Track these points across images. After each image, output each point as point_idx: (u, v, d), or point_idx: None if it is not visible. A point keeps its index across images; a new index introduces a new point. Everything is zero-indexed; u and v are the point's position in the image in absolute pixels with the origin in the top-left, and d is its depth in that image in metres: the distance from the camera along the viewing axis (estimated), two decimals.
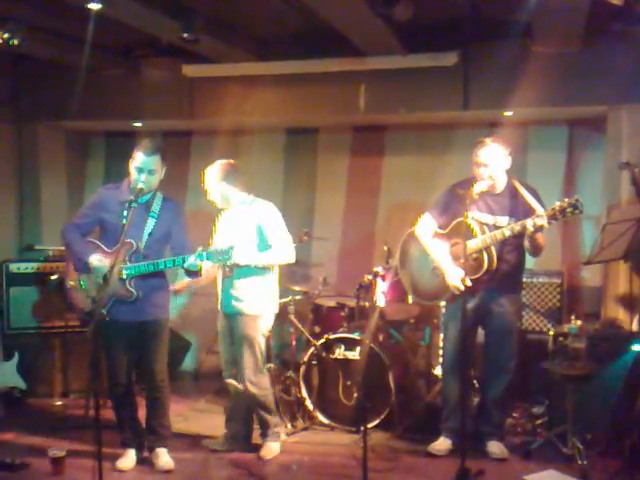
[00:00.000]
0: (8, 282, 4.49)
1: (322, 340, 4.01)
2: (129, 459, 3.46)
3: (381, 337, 4.07)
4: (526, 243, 3.41)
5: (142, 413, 3.55)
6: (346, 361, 3.97)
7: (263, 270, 3.51)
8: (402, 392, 3.90)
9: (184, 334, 5.15)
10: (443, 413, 3.65)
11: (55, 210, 5.38)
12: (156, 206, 3.38)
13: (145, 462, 3.49)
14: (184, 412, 4.29)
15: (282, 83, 4.76)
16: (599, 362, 3.57)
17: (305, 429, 3.97)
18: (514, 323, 3.61)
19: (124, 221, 3.12)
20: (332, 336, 4.01)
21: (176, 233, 3.42)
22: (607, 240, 3.66)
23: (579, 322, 3.76)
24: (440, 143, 5.04)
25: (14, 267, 4.53)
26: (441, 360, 4.18)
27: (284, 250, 3.49)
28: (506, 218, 3.47)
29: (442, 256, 3.55)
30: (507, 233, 3.36)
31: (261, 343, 3.55)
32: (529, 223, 3.25)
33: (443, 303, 4.03)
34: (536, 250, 3.45)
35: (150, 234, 3.33)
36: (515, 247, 3.49)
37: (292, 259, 3.56)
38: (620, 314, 4.20)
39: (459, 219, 3.40)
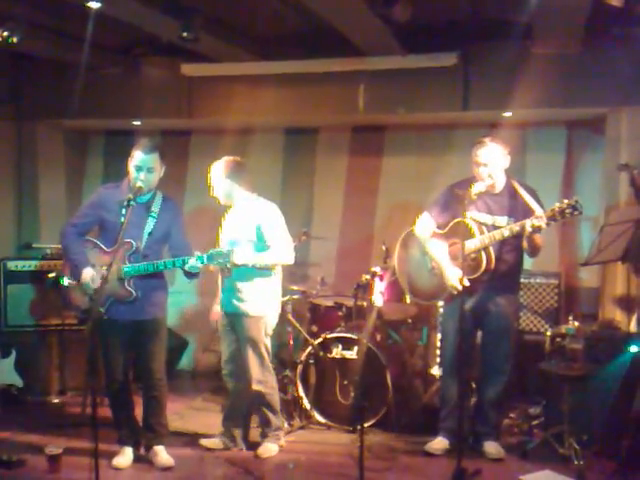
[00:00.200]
0: (6, 280, 4.49)
1: (320, 339, 4.02)
2: (126, 457, 3.46)
3: (379, 337, 4.08)
4: (524, 244, 3.42)
5: (139, 411, 3.55)
6: (343, 360, 3.98)
7: (264, 270, 3.50)
8: (399, 392, 3.90)
9: (181, 333, 5.15)
10: (441, 413, 3.66)
11: (54, 208, 5.38)
12: (156, 206, 3.38)
13: (142, 460, 3.49)
14: (181, 410, 4.29)
15: (281, 83, 4.76)
16: (596, 363, 3.58)
17: (302, 428, 3.97)
18: (511, 324, 3.61)
19: (122, 219, 3.12)
20: (330, 335, 4.01)
21: (175, 233, 3.42)
22: (605, 241, 3.66)
23: (576, 323, 3.77)
24: (439, 144, 5.04)
25: (12, 265, 4.53)
26: (439, 360, 4.19)
27: (283, 251, 3.48)
28: (505, 218, 3.47)
29: (440, 256, 3.56)
30: (506, 233, 3.37)
31: (266, 342, 3.56)
32: (528, 224, 3.26)
33: (441, 303, 4.04)
34: (534, 251, 3.45)
35: (150, 234, 3.34)
36: (514, 247, 3.49)
37: (291, 260, 3.55)
38: (617, 315, 4.21)
39: (458, 219, 3.41)
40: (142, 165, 3.29)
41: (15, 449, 3.59)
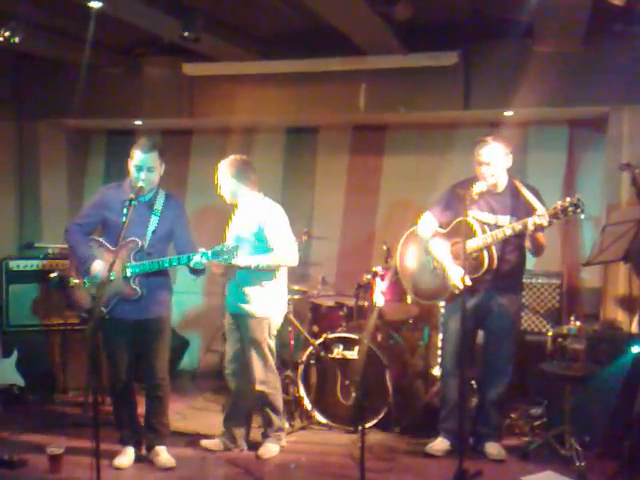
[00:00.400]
0: (8, 279, 4.49)
1: (320, 339, 4.01)
2: (127, 457, 3.46)
3: (380, 337, 4.07)
4: (527, 242, 3.41)
5: (141, 411, 3.55)
6: (344, 361, 3.97)
7: (268, 272, 3.50)
8: (400, 392, 3.89)
9: (182, 333, 5.15)
10: (441, 413, 3.65)
11: (55, 208, 5.39)
12: (159, 204, 3.38)
13: (143, 460, 3.50)
14: (182, 410, 4.29)
15: (282, 82, 4.76)
16: (598, 363, 3.57)
17: (303, 428, 3.97)
18: (513, 324, 3.60)
19: (123, 219, 3.12)
20: (331, 335, 4.01)
21: (179, 231, 3.42)
22: (607, 241, 3.65)
23: (578, 323, 3.76)
24: (440, 143, 5.03)
25: (14, 264, 4.53)
26: (440, 360, 4.18)
27: (286, 253, 3.47)
28: (507, 217, 3.46)
29: (442, 255, 3.55)
30: (508, 232, 3.36)
31: (270, 343, 3.55)
32: (530, 222, 3.25)
33: (442, 303, 4.03)
34: (538, 249, 3.44)
35: (154, 232, 3.34)
36: (516, 247, 3.48)
37: (295, 262, 3.53)
38: (619, 315, 4.20)
39: (460, 218, 3.40)
40: (142, 164, 3.29)
41: (17, 449, 3.59)
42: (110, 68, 5.04)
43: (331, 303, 4.35)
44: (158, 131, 5.51)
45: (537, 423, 3.81)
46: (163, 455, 3.46)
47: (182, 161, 5.52)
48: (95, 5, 3.56)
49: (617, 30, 4.01)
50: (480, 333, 3.66)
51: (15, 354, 4.32)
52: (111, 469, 3.37)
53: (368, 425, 3.73)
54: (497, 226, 3.45)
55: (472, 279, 3.36)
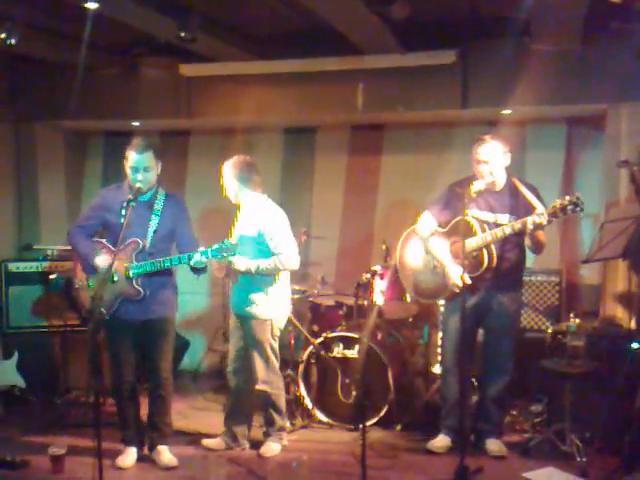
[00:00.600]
0: (7, 281, 4.49)
1: (321, 339, 4.02)
2: (130, 456, 3.47)
3: (379, 335, 4.08)
4: (527, 241, 3.42)
5: (143, 411, 3.55)
6: (345, 359, 3.98)
7: (269, 275, 3.51)
8: (400, 390, 3.90)
9: (182, 333, 5.15)
10: (442, 411, 3.66)
11: (54, 210, 5.38)
12: (159, 204, 3.39)
13: (145, 460, 3.50)
14: (183, 410, 4.29)
15: (280, 82, 4.75)
16: (598, 360, 3.58)
17: (304, 427, 3.97)
18: (513, 322, 3.61)
19: (122, 220, 3.13)
20: (331, 335, 4.02)
21: (181, 230, 3.42)
22: (606, 238, 3.65)
23: (578, 320, 3.76)
24: (438, 141, 5.03)
25: (13, 266, 4.53)
26: (440, 358, 4.19)
27: (286, 258, 3.47)
28: (506, 216, 3.47)
29: (442, 254, 3.56)
30: (507, 231, 3.37)
31: (272, 343, 3.57)
32: (529, 221, 3.26)
33: (442, 301, 4.04)
34: (538, 247, 3.45)
35: (155, 232, 3.35)
36: (516, 245, 3.49)
37: (295, 266, 3.54)
38: (619, 312, 4.20)
39: (459, 217, 3.40)
40: (138, 165, 3.30)
41: (18, 450, 3.59)
42: (107, 69, 5.02)
43: (331, 302, 4.36)
44: (156, 132, 5.50)
45: (538, 420, 3.82)
46: (165, 454, 3.47)
47: (180, 162, 5.51)
48: (91, 6, 3.56)
49: (615, 28, 4.02)
50: (480, 331, 3.67)
51: (16, 355, 4.32)
52: (113, 469, 3.38)
53: (369, 423, 3.74)
54: (496, 225, 3.45)
55: (472, 278, 3.37)
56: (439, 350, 4.33)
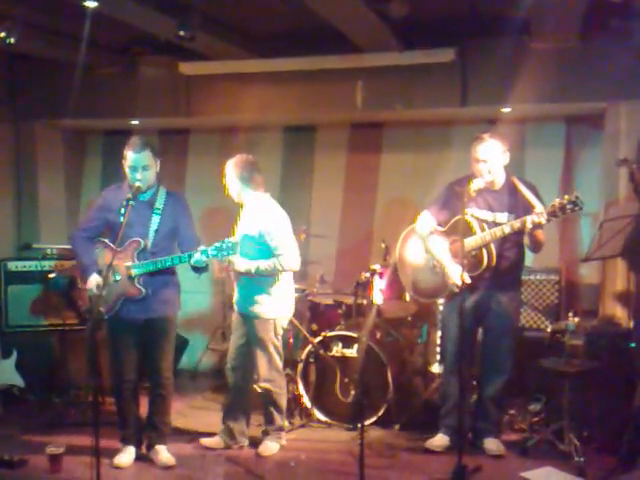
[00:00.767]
0: (6, 280, 4.49)
1: (320, 338, 4.02)
2: (128, 456, 3.47)
3: (378, 334, 4.08)
4: (526, 240, 3.42)
5: (142, 410, 3.55)
6: (344, 358, 3.98)
7: (271, 275, 3.51)
8: (399, 389, 3.90)
9: (181, 332, 5.15)
10: (441, 410, 3.65)
11: (53, 209, 5.38)
12: (160, 202, 3.39)
13: (143, 459, 3.50)
14: (182, 409, 4.29)
15: (279, 80, 4.75)
16: (597, 359, 3.57)
17: (302, 426, 3.98)
18: (512, 322, 3.61)
19: (121, 219, 3.13)
20: (330, 334, 4.02)
21: (183, 228, 3.42)
22: (605, 237, 3.65)
23: (577, 319, 3.75)
24: (438, 140, 5.03)
25: (12, 265, 4.53)
26: (439, 358, 4.19)
27: (287, 259, 3.47)
28: (505, 215, 3.47)
29: (441, 253, 3.55)
30: (506, 230, 3.36)
31: (275, 342, 3.57)
32: (528, 220, 3.25)
33: (441, 301, 4.03)
34: (537, 246, 3.45)
35: (156, 231, 3.34)
36: (515, 244, 3.49)
37: (296, 267, 3.56)
38: (618, 311, 4.20)
39: (458, 216, 3.40)
40: (136, 165, 3.29)
41: (16, 449, 3.59)
42: (106, 68, 5.02)
43: (330, 301, 4.36)
44: (155, 131, 5.50)
45: (536, 419, 3.81)
46: (163, 454, 3.47)
47: (180, 160, 5.51)
48: (90, 5, 3.55)
49: (614, 26, 4.01)
50: (480, 330, 3.66)
51: (14, 355, 4.32)
52: (111, 468, 3.37)
53: (367, 422, 3.75)
54: (495, 223, 3.45)
55: (471, 277, 3.37)
56: (438, 349, 4.32)
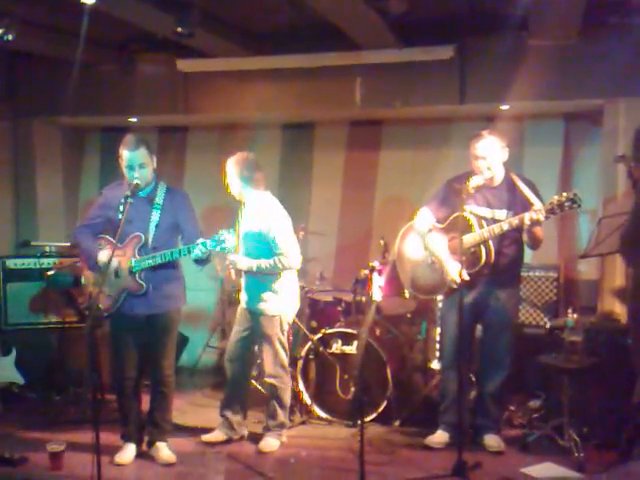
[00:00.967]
0: (5, 278, 4.49)
1: (319, 335, 4.02)
2: (128, 453, 3.47)
3: (378, 331, 4.09)
4: (525, 236, 3.43)
5: (143, 407, 3.55)
6: (343, 355, 3.99)
7: (274, 273, 3.53)
8: (399, 386, 3.91)
9: (181, 329, 5.15)
10: (441, 406, 3.66)
11: (51, 206, 5.38)
12: (160, 198, 3.39)
13: (143, 456, 3.50)
14: (182, 406, 4.29)
15: (278, 78, 4.74)
16: (596, 355, 3.58)
17: (302, 423, 3.98)
18: (511, 318, 3.62)
19: (120, 216, 3.14)
20: (329, 331, 4.02)
21: (184, 222, 3.42)
22: (603, 234, 3.66)
23: (576, 315, 3.76)
24: (436, 137, 5.03)
25: (11, 263, 4.53)
26: (438, 354, 4.19)
27: (288, 258, 3.49)
28: (504, 212, 3.47)
29: (440, 250, 3.56)
30: (505, 227, 3.37)
31: (281, 338, 3.59)
32: (527, 217, 3.26)
33: (440, 297, 4.04)
34: (535, 243, 3.46)
35: (157, 226, 3.34)
36: (514, 241, 3.49)
37: (297, 266, 3.58)
38: (617, 307, 4.21)
39: (457, 213, 3.40)
40: (133, 163, 3.30)
41: (17, 446, 3.59)
42: (104, 65, 5.02)
43: (329, 298, 4.37)
44: (153, 128, 5.49)
45: (536, 415, 3.83)
46: (164, 451, 3.47)
47: (178, 158, 5.50)
48: (88, 2, 3.54)
49: (613, 23, 4.02)
50: (478, 327, 3.67)
51: (14, 352, 4.32)
52: (112, 465, 3.38)
53: (367, 419, 3.75)
54: (494, 220, 3.45)
55: (470, 274, 3.38)
56: (437, 346, 4.33)
